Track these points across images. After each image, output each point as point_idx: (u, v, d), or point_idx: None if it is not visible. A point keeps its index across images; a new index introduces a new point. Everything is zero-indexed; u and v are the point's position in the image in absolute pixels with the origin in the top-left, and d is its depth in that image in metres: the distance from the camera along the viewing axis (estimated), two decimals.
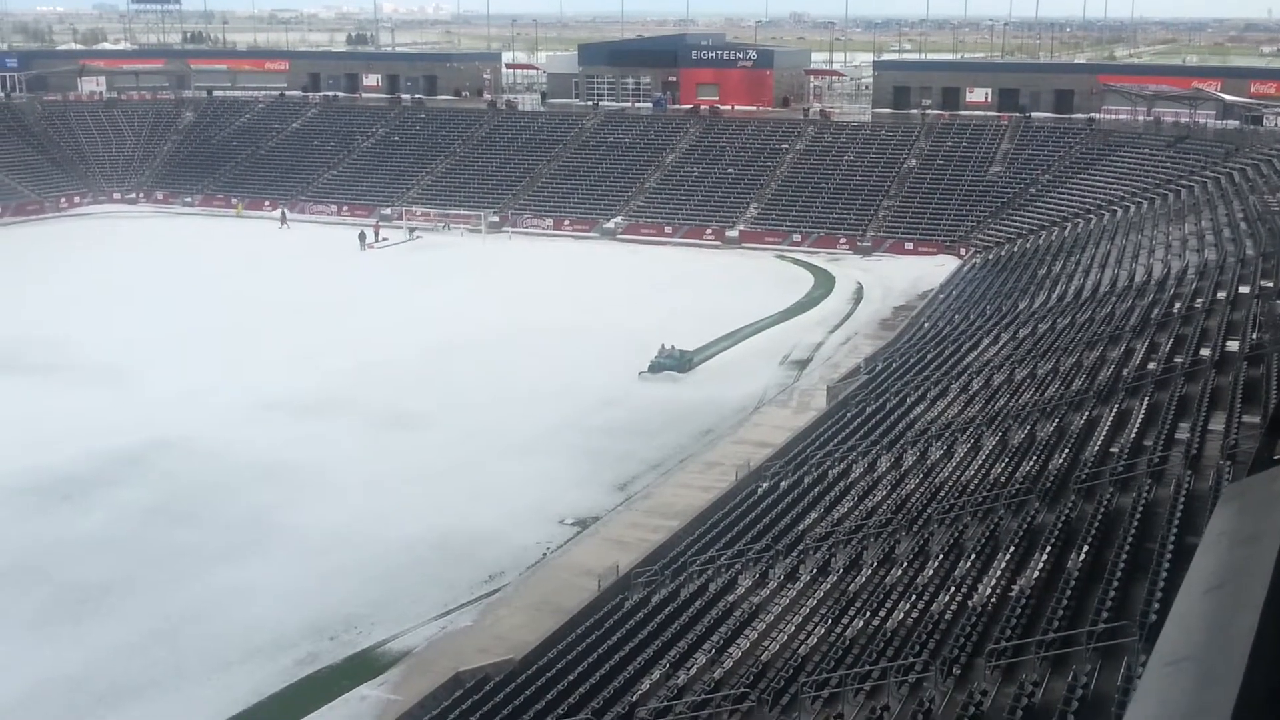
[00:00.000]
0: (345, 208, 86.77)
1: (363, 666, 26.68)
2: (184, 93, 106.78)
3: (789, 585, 26.07)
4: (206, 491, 36.03)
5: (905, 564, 25.08)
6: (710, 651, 23.38)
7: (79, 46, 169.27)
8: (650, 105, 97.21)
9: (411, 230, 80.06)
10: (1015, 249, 65.75)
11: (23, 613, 28.69)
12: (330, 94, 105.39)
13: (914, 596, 22.81)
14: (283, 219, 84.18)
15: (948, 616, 21.07)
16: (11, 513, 34.44)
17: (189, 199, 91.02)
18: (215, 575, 30.70)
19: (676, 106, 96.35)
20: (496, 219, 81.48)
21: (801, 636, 23.07)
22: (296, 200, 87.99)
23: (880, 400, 39.85)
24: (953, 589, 22.28)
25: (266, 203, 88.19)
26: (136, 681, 25.94)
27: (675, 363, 48.27)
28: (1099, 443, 27.40)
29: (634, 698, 22.20)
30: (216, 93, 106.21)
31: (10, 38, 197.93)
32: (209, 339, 53.61)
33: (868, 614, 22.88)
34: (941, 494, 28.73)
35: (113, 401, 44.39)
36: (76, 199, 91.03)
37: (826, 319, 57.90)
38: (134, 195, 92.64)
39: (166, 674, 26.23)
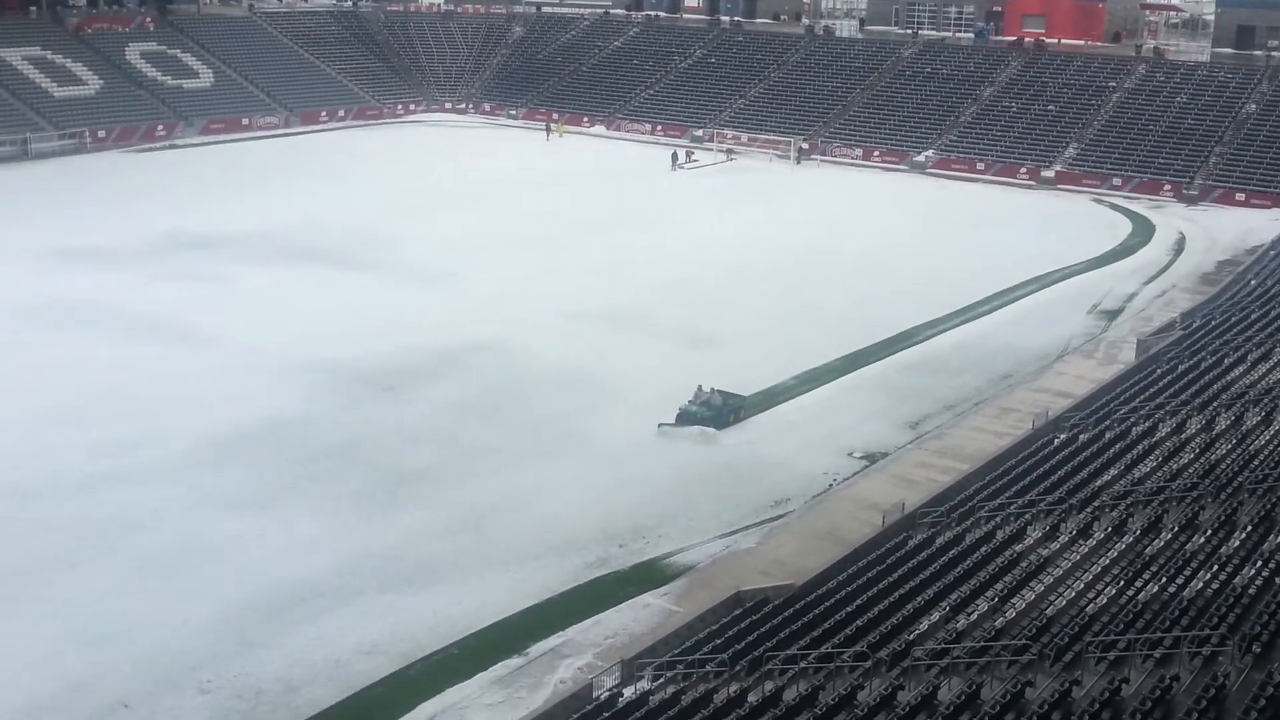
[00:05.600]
0: (659, 127, 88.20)
1: (648, 575, 27.74)
2: (515, 7, 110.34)
3: (1080, 541, 25.56)
4: (515, 393, 37.97)
5: (1209, 532, 24.20)
6: (993, 599, 23.26)
7: None
8: (972, 35, 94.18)
9: (728, 153, 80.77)
10: None
11: (347, 491, 31.18)
12: (652, 13, 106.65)
13: (1215, 566, 22.04)
14: (548, 130, 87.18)
15: (1251, 591, 20.31)
16: (344, 399, 37.29)
17: (514, 111, 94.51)
18: (518, 473, 32.48)
19: (999, 38, 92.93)
20: (806, 146, 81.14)
21: (1090, 595, 22.65)
22: (604, 116, 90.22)
23: (1195, 358, 38.04)
24: (1260, 563, 21.42)
25: (585, 119, 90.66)
26: (441, 565, 27.79)
27: (713, 413, 35.77)
28: None
29: (911, 636, 22.38)
30: (545, 9, 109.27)
31: None
32: (525, 247, 55.94)
33: (1164, 579, 22.26)
34: (1255, 462, 27.42)
35: (435, 301, 47.16)
36: (412, 106, 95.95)
37: (1142, 269, 55.28)
38: (464, 105, 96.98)
39: (468, 561, 27.99)
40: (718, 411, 35.81)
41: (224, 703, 22.64)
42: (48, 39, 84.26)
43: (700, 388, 36.26)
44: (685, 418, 35.58)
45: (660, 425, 35.30)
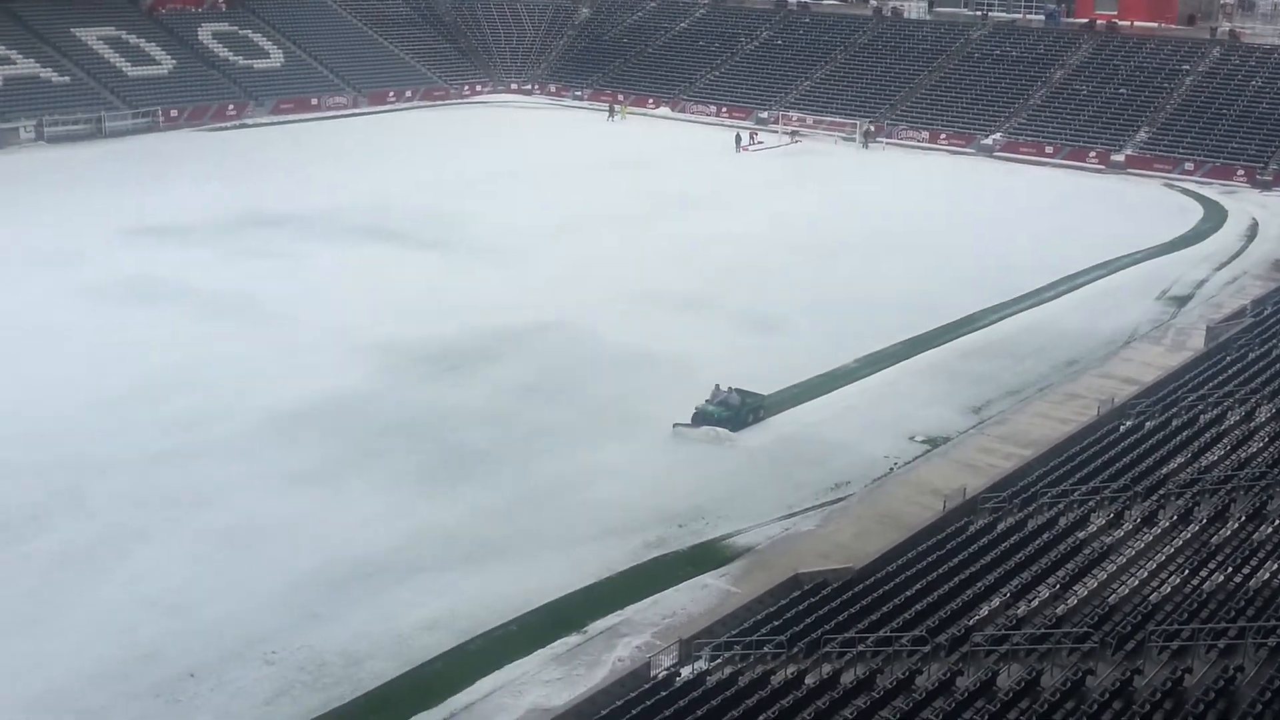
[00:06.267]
0: (724, 109, 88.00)
1: (707, 556, 27.80)
2: None
3: (1145, 529, 25.30)
4: (578, 374, 38.17)
5: (1277, 521, 23.86)
6: (1054, 586, 23.10)
7: None
8: (1042, 17, 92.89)
9: (793, 134, 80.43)
10: None
11: (411, 468, 31.55)
12: None
13: None
14: (611, 112, 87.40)
15: None
16: (410, 377, 37.68)
17: (579, 93, 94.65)
18: (580, 453, 32.68)
19: (1070, 20, 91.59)
20: (871, 128, 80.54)
21: (1154, 584, 22.44)
22: (676, 97, 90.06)
23: (1266, 345, 37.44)
24: None
25: (650, 100, 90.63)
26: (501, 544, 28.04)
27: (731, 413, 34.03)
28: None
29: (970, 622, 22.29)
30: None
31: None
32: (590, 228, 56.15)
33: (1230, 569, 22.01)
34: None
35: (500, 281, 47.52)
36: (479, 87, 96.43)
37: (1213, 255, 54.35)
38: (530, 87, 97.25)
39: (528, 541, 28.21)
40: (736, 411, 34.13)
41: (288, 674, 23.04)
42: (122, 19, 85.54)
43: (718, 386, 34.70)
44: (701, 418, 34.00)
45: (675, 425, 33.88)
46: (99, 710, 21.94)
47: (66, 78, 78.31)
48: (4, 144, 71.59)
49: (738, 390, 34.69)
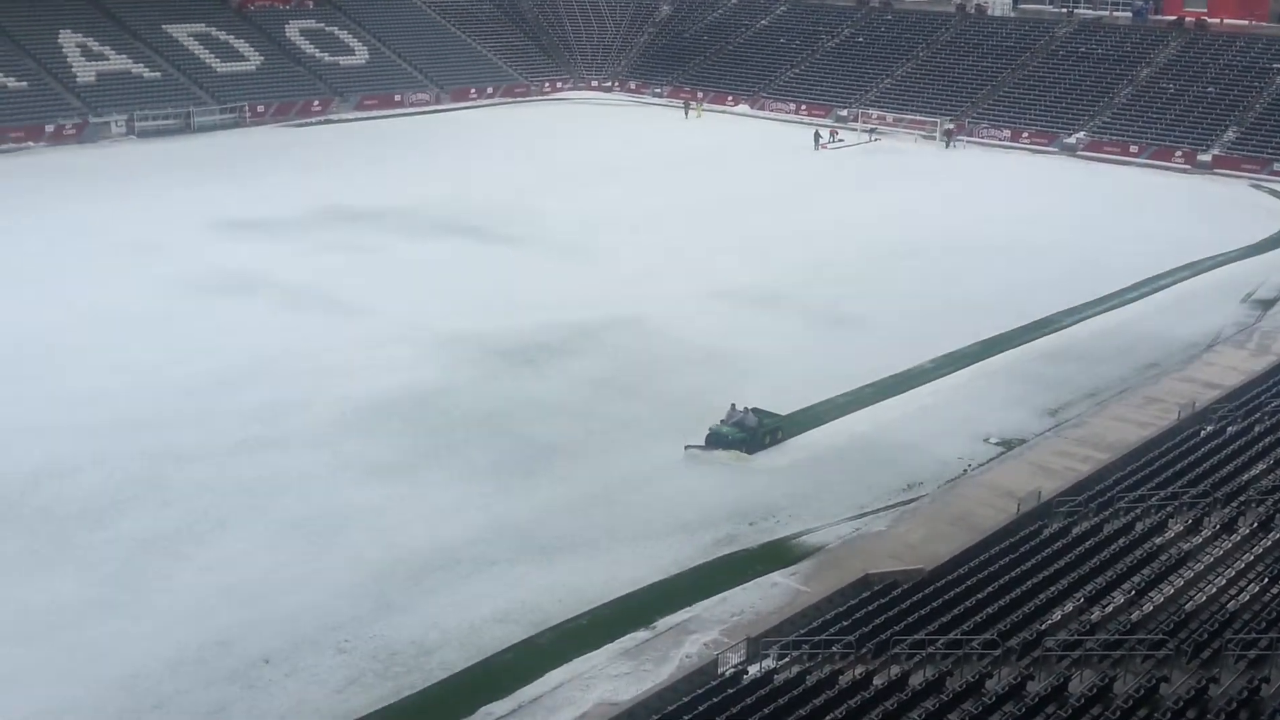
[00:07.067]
0: (803, 107, 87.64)
1: (777, 555, 27.76)
2: None
3: (1224, 536, 24.89)
4: (652, 370, 38.28)
5: None
6: (1130, 592, 22.82)
7: None
8: (1130, 14, 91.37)
9: (871, 132, 79.90)
10: None
11: (486, 461, 31.85)
12: None
13: None
14: (686, 110, 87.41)
15: None
16: (485, 370, 38.08)
17: (658, 90, 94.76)
18: (652, 448, 32.75)
19: (1158, 17, 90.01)
20: (952, 127, 79.73)
21: (1232, 591, 22.10)
22: (755, 94, 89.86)
23: None
24: None
25: (729, 98, 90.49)
26: (573, 537, 28.21)
27: (747, 435, 32.48)
28: None
29: (1043, 626, 22.09)
30: None
31: None
32: (667, 225, 56.24)
33: None
34: None
35: (576, 276, 47.81)
36: (559, 84, 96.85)
37: None
38: (610, 84, 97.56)
39: (601, 535, 28.35)
40: (752, 433, 32.61)
41: (360, 663, 23.39)
42: (212, 16, 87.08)
43: (734, 406, 33.21)
44: (716, 439, 32.54)
45: (687, 448, 32.45)
46: (177, 694, 22.41)
47: (157, 73, 79.93)
48: (96, 138, 73.43)
49: (755, 410, 33.38)
